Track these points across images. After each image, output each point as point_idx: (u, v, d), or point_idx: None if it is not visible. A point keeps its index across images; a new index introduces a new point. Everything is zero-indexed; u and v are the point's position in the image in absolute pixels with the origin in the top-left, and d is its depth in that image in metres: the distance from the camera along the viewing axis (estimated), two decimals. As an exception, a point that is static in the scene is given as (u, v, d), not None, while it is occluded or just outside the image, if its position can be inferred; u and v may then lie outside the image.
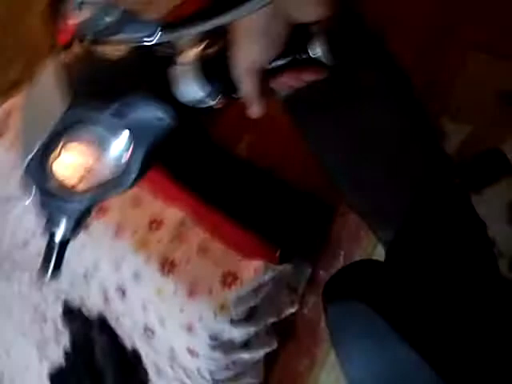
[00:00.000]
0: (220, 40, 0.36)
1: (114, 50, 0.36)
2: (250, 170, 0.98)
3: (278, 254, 0.81)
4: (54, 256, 0.46)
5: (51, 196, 0.39)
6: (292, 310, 0.85)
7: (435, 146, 0.61)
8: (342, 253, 0.91)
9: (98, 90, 0.35)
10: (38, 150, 0.35)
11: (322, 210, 0.92)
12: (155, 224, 0.85)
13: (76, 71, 0.36)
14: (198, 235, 0.83)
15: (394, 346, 0.43)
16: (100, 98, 0.35)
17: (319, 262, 0.91)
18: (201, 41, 0.36)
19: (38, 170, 0.37)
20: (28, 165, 0.36)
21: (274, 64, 0.36)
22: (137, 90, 0.35)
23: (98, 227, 0.85)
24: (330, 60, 0.34)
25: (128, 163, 0.37)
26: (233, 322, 0.76)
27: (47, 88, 0.35)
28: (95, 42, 0.35)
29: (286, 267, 0.81)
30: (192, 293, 0.77)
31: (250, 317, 0.79)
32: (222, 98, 0.38)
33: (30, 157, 0.36)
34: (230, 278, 0.77)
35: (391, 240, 0.59)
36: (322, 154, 0.64)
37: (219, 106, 0.43)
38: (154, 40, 0.33)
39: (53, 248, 0.45)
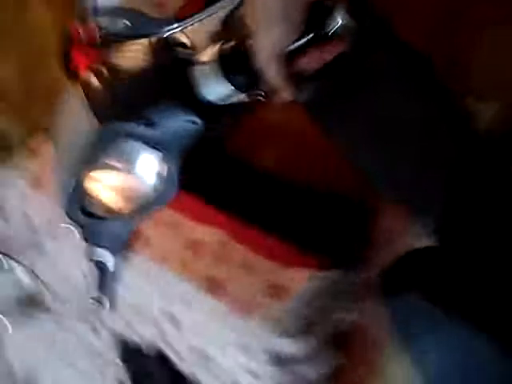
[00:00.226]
0: (236, 34, 0.36)
1: (131, 61, 0.36)
2: (279, 183, 0.97)
3: (323, 261, 0.79)
4: (108, 284, 0.46)
5: (97, 219, 0.39)
6: (351, 319, 0.82)
7: (466, 127, 0.59)
8: (387, 252, 0.88)
9: (125, 105, 0.35)
10: (77, 175, 0.36)
11: (359, 212, 0.91)
12: (196, 246, 0.85)
13: (99, 93, 0.36)
14: (240, 252, 0.82)
15: (469, 336, 0.41)
16: (128, 112, 0.35)
17: (365, 265, 0.88)
18: (217, 38, 0.36)
19: (81, 195, 0.37)
20: (71, 190, 0.36)
21: (294, 45, 0.35)
22: (162, 98, 0.35)
23: (142, 259, 0.85)
24: (350, 30, 0.34)
25: (165, 175, 0.37)
26: (290, 335, 0.74)
27: (74, 114, 0.36)
28: (112, 46, 0.36)
29: (334, 273, 0.79)
30: (243, 311, 0.76)
31: (305, 330, 0.77)
32: (247, 92, 0.37)
33: (71, 182, 0.36)
34: (279, 291, 0.76)
35: (436, 227, 0.57)
36: (351, 152, 0.63)
37: (247, 101, 0.42)
38: (169, 32, 0.33)
39: (105, 275, 0.45)
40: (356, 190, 0.88)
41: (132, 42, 0.36)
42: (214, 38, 0.36)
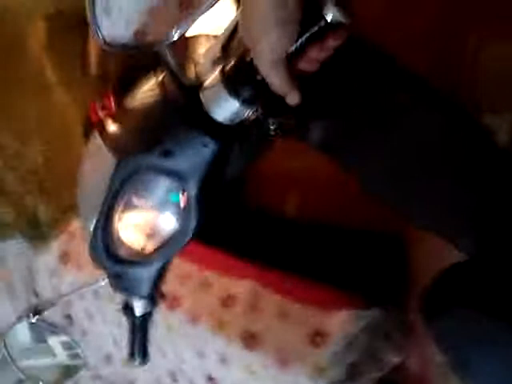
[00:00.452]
0: (236, 54, 0.37)
1: (142, 99, 0.37)
2: (306, 228, 0.96)
3: (361, 300, 0.76)
4: (139, 335, 0.45)
5: (123, 264, 0.39)
6: (396, 361, 0.77)
7: (489, 144, 0.58)
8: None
9: (141, 139, 0.36)
10: (100, 217, 0.36)
11: (394, 246, 0.88)
12: (228, 300, 0.82)
13: (114, 133, 0.37)
14: (273, 301, 0.79)
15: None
16: (144, 145, 0.35)
17: (408, 301, 0.84)
18: (219, 62, 0.37)
19: (106, 238, 0.37)
20: (94, 235, 0.36)
21: (293, 47, 0.36)
22: (174, 126, 0.36)
23: (174, 318, 0.83)
24: (348, 15, 0.34)
25: (186, 206, 0.36)
26: (335, 383, 0.69)
27: (95, 157, 0.36)
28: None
29: (375, 312, 0.75)
30: (283, 362, 0.72)
31: (352, 376, 0.72)
32: (257, 104, 0.38)
33: (94, 224, 0.36)
34: (318, 337, 0.72)
35: (476, 246, 0.54)
36: (378, 187, 0.62)
37: (261, 138, 0.43)
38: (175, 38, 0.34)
39: (136, 325, 0.44)
40: (389, 225, 0.86)
41: (141, 82, 0.38)
42: (216, 63, 0.37)
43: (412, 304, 0.81)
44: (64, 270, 1.04)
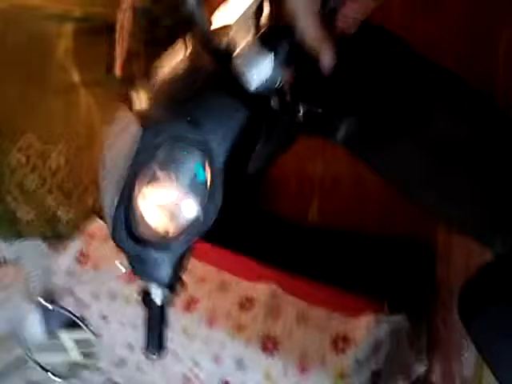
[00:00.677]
0: (269, 18, 0.36)
1: (171, 66, 0.36)
2: (328, 234, 0.94)
3: (386, 305, 0.73)
4: (157, 325, 0.43)
5: (145, 245, 0.37)
6: (421, 370, 0.74)
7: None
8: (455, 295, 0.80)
9: (168, 107, 0.34)
10: (123, 190, 0.34)
11: (421, 252, 0.85)
12: (247, 303, 0.80)
13: (145, 102, 0.35)
14: (293, 305, 0.77)
15: None
16: (171, 113, 0.34)
17: (433, 310, 0.80)
18: (252, 27, 0.36)
19: (128, 216, 0.35)
20: (117, 210, 0.34)
21: (330, 4, 0.34)
22: (203, 94, 0.34)
23: (191, 321, 0.81)
24: None
25: (212, 185, 0.34)
26: (358, 391, 0.66)
27: (122, 128, 0.35)
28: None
29: (399, 318, 0.72)
30: (304, 368, 0.69)
31: (375, 381, 0.69)
32: (292, 65, 0.36)
33: (117, 199, 0.34)
34: (341, 342, 0.69)
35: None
36: (409, 187, 0.59)
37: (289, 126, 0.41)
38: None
39: (154, 316, 0.42)
40: (417, 232, 0.83)
41: (170, 51, 0.36)
42: (250, 29, 0.35)
43: (438, 312, 0.77)
44: (81, 271, 1.03)
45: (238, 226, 0.86)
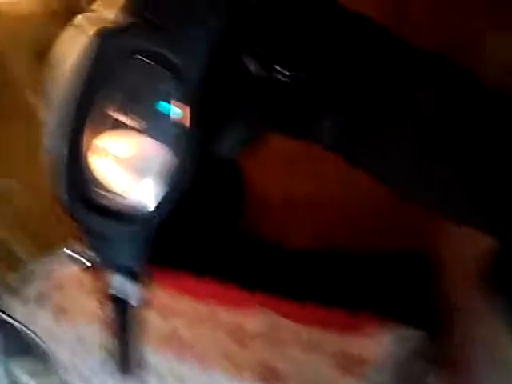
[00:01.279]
0: None
1: None
2: (321, 257, 0.87)
3: (392, 322, 0.65)
4: (129, 329, 0.34)
5: (102, 215, 0.29)
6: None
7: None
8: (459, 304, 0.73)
9: (128, 12, 0.26)
10: (72, 135, 0.26)
11: (420, 264, 0.78)
12: (244, 337, 0.71)
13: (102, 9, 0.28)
14: (294, 331, 0.68)
15: None
16: (133, 19, 0.26)
17: (441, 319, 0.73)
18: None
19: (77, 172, 0.27)
20: (64, 163, 0.27)
21: None
22: None
23: (183, 363, 0.71)
24: None
25: (185, 127, 0.27)
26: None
27: (72, 43, 0.27)
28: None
29: (411, 332, 0.64)
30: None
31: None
32: None
33: (64, 149, 0.26)
34: (354, 364, 0.60)
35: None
36: (402, 182, 0.55)
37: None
38: None
39: (126, 315, 0.33)
40: (414, 246, 0.77)
41: None
42: None
43: (441, 324, 0.70)
44: (57, 328, 0.93)
45: (218, 250, 0.79)
